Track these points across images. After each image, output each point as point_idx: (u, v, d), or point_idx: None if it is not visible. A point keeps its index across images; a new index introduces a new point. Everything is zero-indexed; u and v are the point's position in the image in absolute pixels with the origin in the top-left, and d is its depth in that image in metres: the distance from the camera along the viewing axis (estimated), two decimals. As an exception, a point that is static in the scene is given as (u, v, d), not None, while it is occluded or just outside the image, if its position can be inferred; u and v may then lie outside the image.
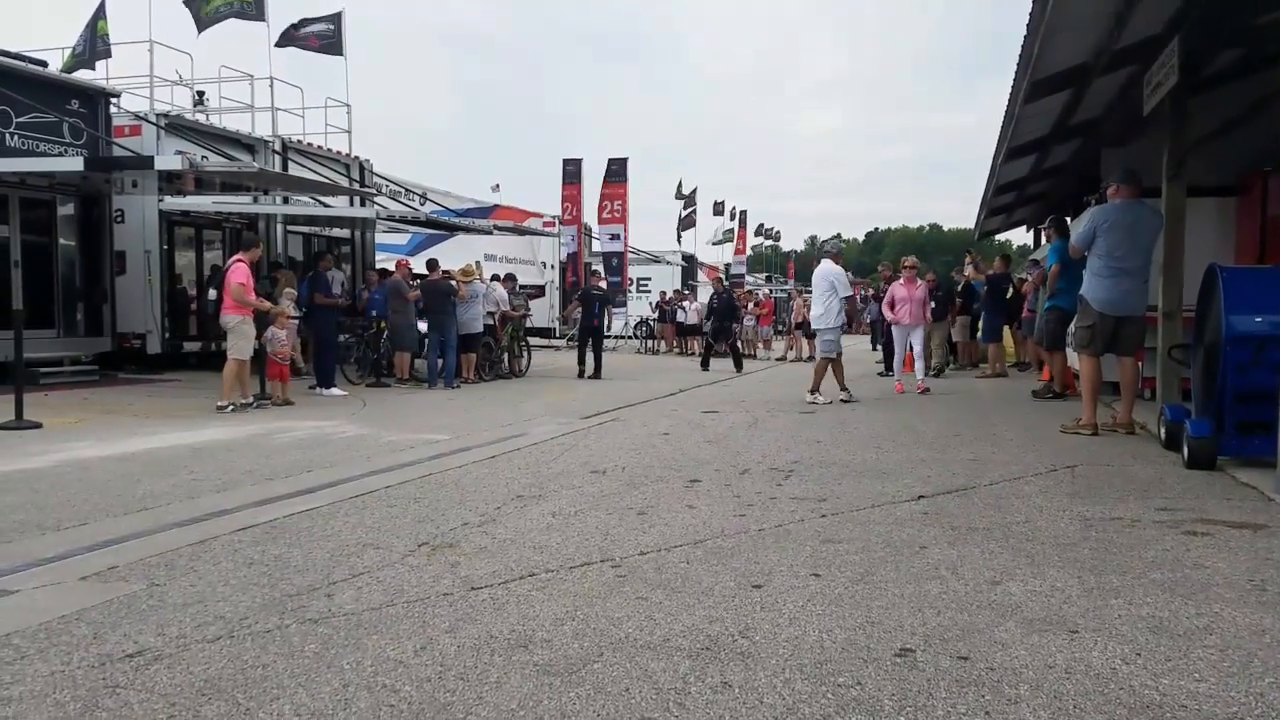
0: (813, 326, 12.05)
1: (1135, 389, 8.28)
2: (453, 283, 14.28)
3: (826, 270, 11.78)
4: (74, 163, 12.55)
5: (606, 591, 3.67)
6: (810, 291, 35.10)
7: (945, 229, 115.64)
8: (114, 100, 14.78)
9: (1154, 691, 2.71)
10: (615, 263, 26.91)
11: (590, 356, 16.29)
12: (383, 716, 2.56)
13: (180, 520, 4.94)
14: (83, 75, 15.59)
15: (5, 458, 6.95)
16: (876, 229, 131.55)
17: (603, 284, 20.59)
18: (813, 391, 11.33)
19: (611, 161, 27.52)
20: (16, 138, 12.91)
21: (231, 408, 10.13)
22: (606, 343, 18.21)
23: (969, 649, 3.03)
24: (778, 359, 22.94)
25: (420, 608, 3.47)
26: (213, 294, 11.15)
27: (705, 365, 18.49)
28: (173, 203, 14.39)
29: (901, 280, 12.95)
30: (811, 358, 22.55)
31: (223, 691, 2.71)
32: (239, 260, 10.69)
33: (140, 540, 4.52)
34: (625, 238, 27.26)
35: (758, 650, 3.03)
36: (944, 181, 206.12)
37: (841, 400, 11.15)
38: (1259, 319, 6.00)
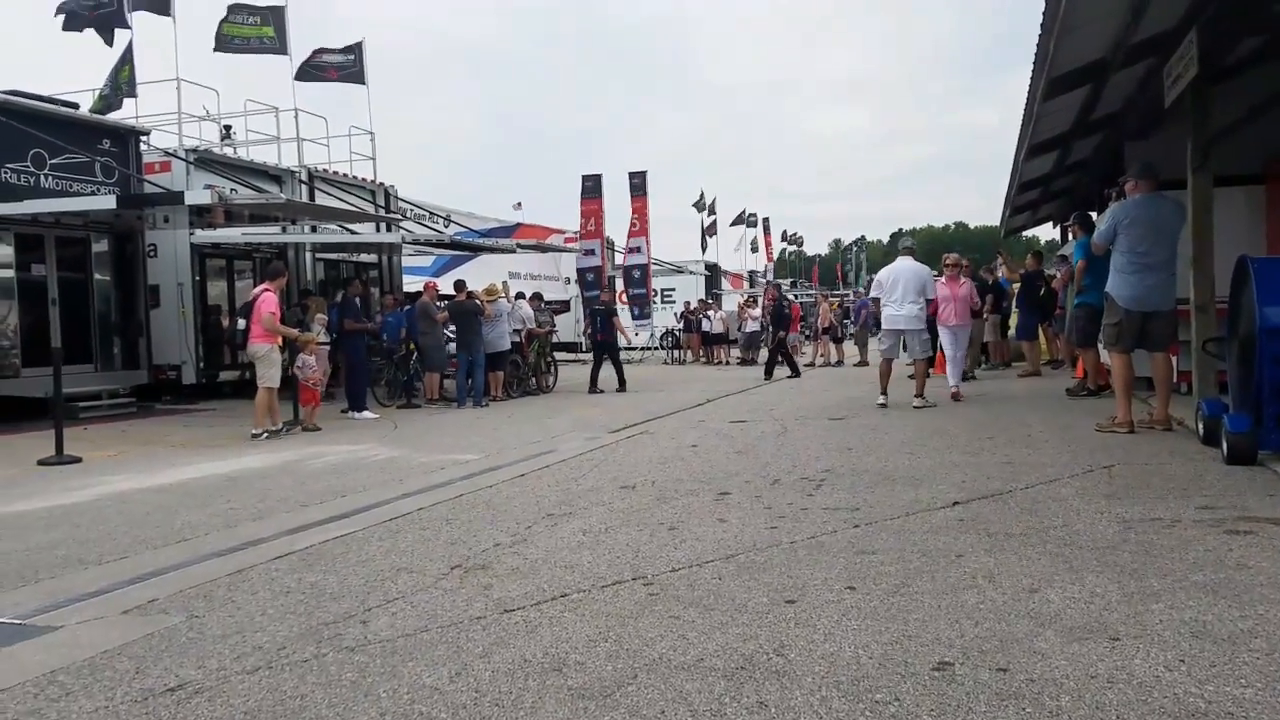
0: (890, 325, 11.36)
1: (1169, 384, 8.14)
2: (478, 302, 14.39)
3: (915, 269, 11.26)
4: (107, 201, 12.82)
5: (639, 610, 3.67)
6: (828, 296, 34.86)
7: (971, 226, 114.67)
8: (144, 138, 15.10)
9: (1199, 699, 2.66)
10: (638, 275, 27.00)
11: (607, 371, 16.21)
12: (420, 745, 2.58)
13: (218, 550, 5.01)
14: (113, 115, 15.93)
15: (47, 493, 7.08)
16: (900, 229, 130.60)
17: (605, 296, 20.59)
18: (919, 395, 10.98)
19: (632, 175, 27.66)
20: (51, 179, 13.21)
21: (265, 435, 10.27)
22: (632, 354, 18.17)
23: (1008, 660, 3.00)
24: (806, 365, 22.81)
25: (454, 632, 3.49)
26: (241, 324, 11.31)
27: (795, 372, 18.31)
28: (204, 236, 14.65)
29: (944, 279, 12.61)
30: (840, 362, 22.53)
31: (263, 724, 2.75)
32: (267, 289, 10.84)
33: (179, 572, 4.59)
34: (647, 250, 27.35)
35: (793, 668, 3.01)
36: (964, 178, 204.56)
37: (880, 405, 11.04)
38: (1294, 310, 5.89)
